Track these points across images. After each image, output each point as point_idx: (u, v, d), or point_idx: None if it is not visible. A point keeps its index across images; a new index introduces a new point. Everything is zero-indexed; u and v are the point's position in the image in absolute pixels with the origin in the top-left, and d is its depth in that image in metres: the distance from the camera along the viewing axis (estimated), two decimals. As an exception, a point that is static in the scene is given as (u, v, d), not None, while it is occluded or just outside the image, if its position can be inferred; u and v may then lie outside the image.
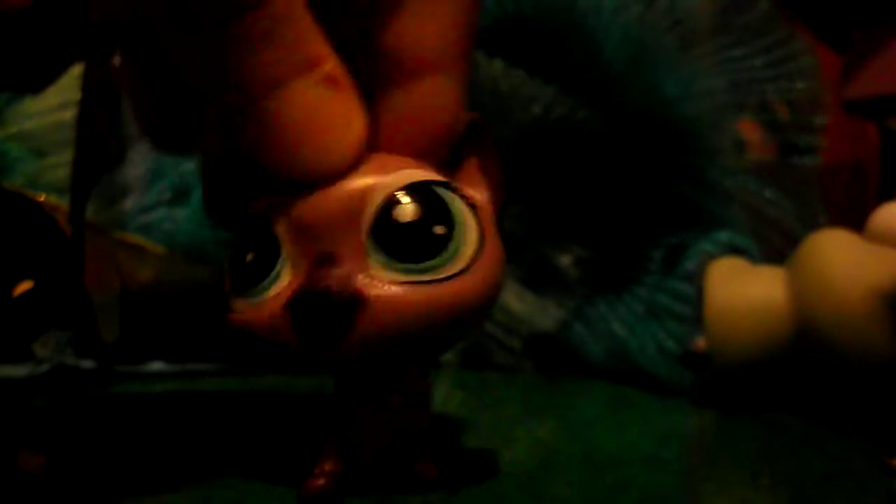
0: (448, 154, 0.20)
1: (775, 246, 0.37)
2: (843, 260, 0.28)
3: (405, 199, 0.18)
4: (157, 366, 0.37)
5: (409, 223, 0.18)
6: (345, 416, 0.20)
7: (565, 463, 0.24)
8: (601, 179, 0.38)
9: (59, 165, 0.36)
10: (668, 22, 0.37)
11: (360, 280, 0.18)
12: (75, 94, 0.27)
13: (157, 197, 0.38)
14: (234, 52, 0.17)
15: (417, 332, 0.18)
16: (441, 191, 0.19)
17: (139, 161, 0.38)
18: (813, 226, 0.36)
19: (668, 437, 0.28)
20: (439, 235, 0.18)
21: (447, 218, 0.19)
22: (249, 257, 0.19)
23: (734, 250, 0.35)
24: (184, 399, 0.33)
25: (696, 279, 0.34)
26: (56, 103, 0.37)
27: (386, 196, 0.18)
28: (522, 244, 0.39)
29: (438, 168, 0.20)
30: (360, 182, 0.18)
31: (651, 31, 0.36)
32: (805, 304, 0.29)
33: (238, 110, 0.18)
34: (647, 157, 0.37)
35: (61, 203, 0.33)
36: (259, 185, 0.19)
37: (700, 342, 0.32)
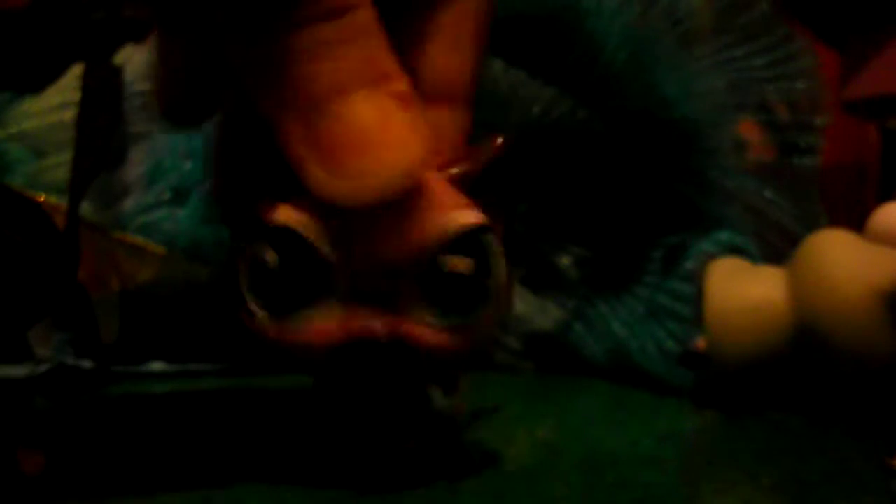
0: (475, 174, 0.20)
1: (775, 246, 0.37)
2: (843, 260, 0.28)
3: (457, 251, 0.19)
4: (157, 366, 0.37)
5: (459, 277, 0.19)
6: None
7: (565, 463, 0.24)
8: (601, 180, 0.38)
9: (59, 165, 0.36)
10: (668, 22, 0.37)
11: (411, 328, 0.19)
12: (75, 94, 0.27)
13: (157, 197, 0.38)
14: (309, 54, 0.17)
15: (452, 368, 0.21)
16: (486, 239, 0.19)
17: (139, 161, 0.38)
18: (813, 226, 0.35)
19: (668, 437, 0.28)
20: (484, 287, 0.19)
21: (488, 268, 0.19)
22: (278, 268, 0.19)
23: (734, 250, 0.35)
24: (184, 399, 0.33)
25: (696, 279, 0.34)
26: (56, 103, 0.37)
27: (439, 242, 0.19)
28: (522, 244, 0.39)
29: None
30: (417, 223, 0.18)
31: (651, 31, 0.36)
32: (805, 304, 0.29)
33: (301, 114, 0.17)
34: (647, 157, 0.37)
35: (61, 203, 0.33)
36: (288, 189, 0.19)
37: (700, 342, 0.32)
